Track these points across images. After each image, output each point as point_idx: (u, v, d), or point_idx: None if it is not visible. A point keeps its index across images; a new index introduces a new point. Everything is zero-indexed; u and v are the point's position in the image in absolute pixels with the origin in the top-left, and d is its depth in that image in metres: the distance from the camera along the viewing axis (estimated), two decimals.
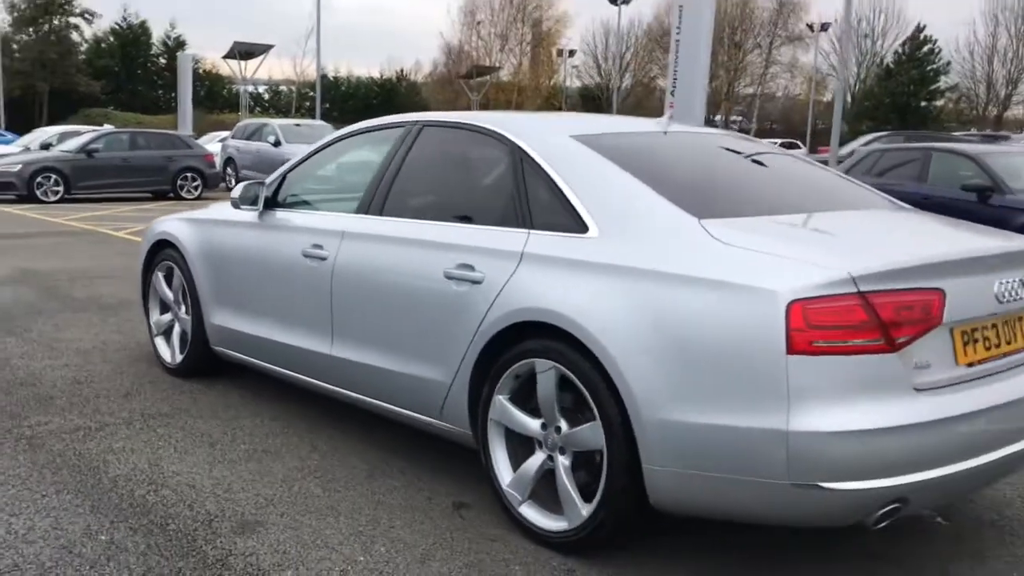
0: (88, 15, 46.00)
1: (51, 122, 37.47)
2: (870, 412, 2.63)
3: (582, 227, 3.23)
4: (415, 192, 4.02)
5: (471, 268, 3.46)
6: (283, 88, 54.71)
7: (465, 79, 54.83)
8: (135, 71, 48.32)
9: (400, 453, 4.12)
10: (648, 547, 3.23)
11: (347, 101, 54.22)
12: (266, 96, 54.52)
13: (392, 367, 3.81)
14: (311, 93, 57.15)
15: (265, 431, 4.44)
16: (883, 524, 2.76)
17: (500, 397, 3.35)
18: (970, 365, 2.90)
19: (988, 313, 2.94)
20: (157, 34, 51.03)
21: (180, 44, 51.13)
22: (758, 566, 3.15)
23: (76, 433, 4.34)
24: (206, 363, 5.21)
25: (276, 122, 24.22)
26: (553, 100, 61.69)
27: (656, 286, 2.92)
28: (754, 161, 3.85)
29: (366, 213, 4.11)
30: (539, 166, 3.46)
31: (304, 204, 4.65)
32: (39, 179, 19.06)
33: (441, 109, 52.75)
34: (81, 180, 19.41)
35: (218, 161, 24.79)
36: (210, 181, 21.52)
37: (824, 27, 46.41)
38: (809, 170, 3.99)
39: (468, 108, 52.94)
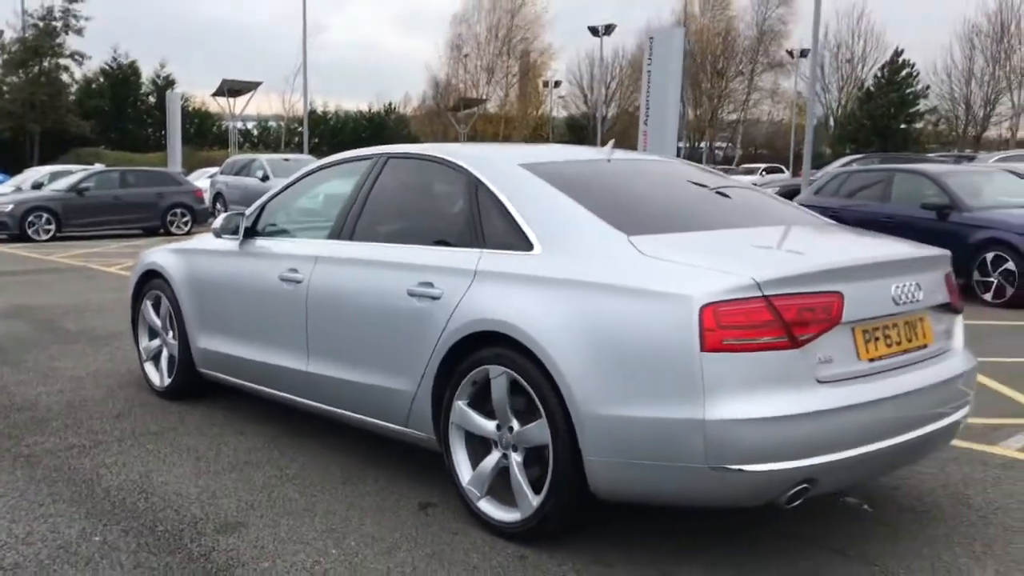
0: (78, 56, 46.58)
1: (42, 162, 37.86)
2: (776, 401, 2.97)
3: (527, 245, 3.59)
4: (381, 218, 4.38)
5: (431, 285, 3.81)
6: (272, 124, 55.26)
7: (453, 111, 55.44)
8: (125, 110, 48.87)
9: (374, 461, 4.44)
10: (596, 534, 3.54)
11: (336, 135, 54.76)
12: (255, 132, 55.03)
13: (362, 380, 4.14)
14: (300, 128, 57.86)
15: (248, 445, 4.75)
16: (795, 503, 3.09)
17: (459, 403, 3.68)
18: (872, 360, 3.25)
19: (887, 313, 3.30)
20: (147, 73, 51.72)
21: (169, 83, 51.75)
22: (694, 547, 3.47)
23: (71, 451, 4.65)
24: (193, 385, 5.53)
25: (264, 157, 24.66)
26: (540, 131, 62.39)
27: (589, 295, 3.28)
28: (692, 184, 4.24)
29: (337, 239, 4.47)
30: (491, 192, 3.82)
31: (282, 232, 5.00)
32: (31, 218, 19.41)
33: (428, 141, 53.36)
34: (72, 218, 19.76)
35: (207, 197, 25.22)
36: (199, 217, 21.85)
37: (804, 53, 47.20)
38: (741, 192, 4.36)
39: (456, 140, 53.58)
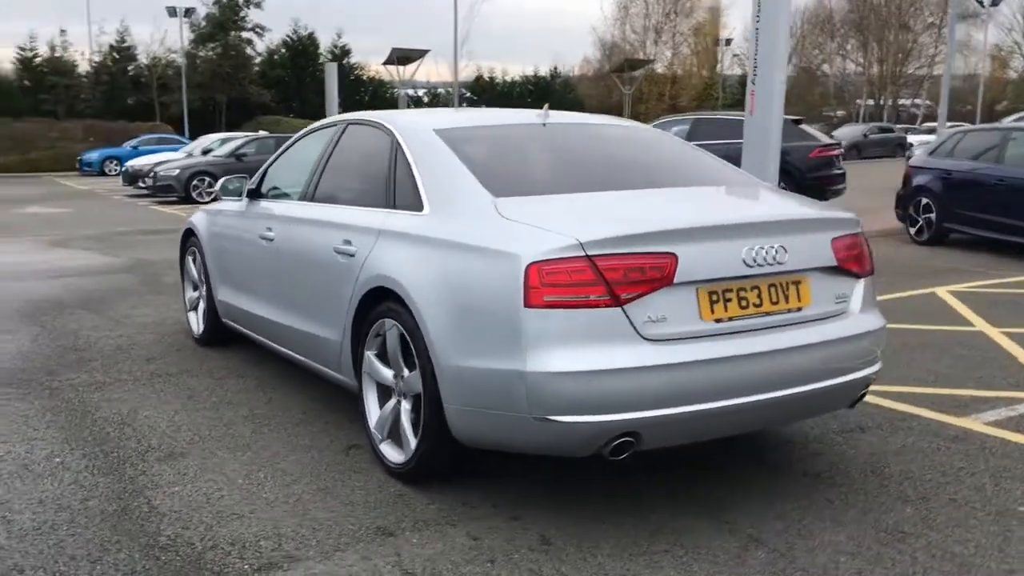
0: (259, 29, 49.51)
1: (229, 130, 40.69)
2: (595, 356, 3.09)
3: (420, 206, 3.82)
4: (333, 181, 4.72)
5: (349, 243, 4.11)
6: (440, 90, 56.69)
7: (617, 73, 55.03)
8: (304, 80, 51.43)
9: (335, 406, 4.80)
10: (474, 480, 3.77)
11: (502, 100, 55.54)
12: (425, 99, 56.67)
13: (309, 330, 4.52)
14: (468, 94, 59.07)
15: (239, 387, 5.24)
16: (622, 456, 3.20)
17: (368, 352, 3.98)
18: (719, 321, 3.28)
19: (738, 275, 3.31)
20: (324, 44, 54.15)
21: (345, 52, 54.10)
22: (549, 495, 3.62)
23: (89, 387, 5.29)
24: (221, 334, 6.09)
25: None
26: (711, 91, 60.84)
27: (450, 253, 3.49)
28: (608, 147, 4.36)
29: (303, 200, 4.84)
30: (405, 156, 4.06)
31: (277, 195, 5.42)
32: (195, 181, 21.13)
33: (593, 105, 53.04)
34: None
35: None
36: None
37: (995, 2, 43.60)
38: (658, 154, 4.43)
39: (620, 103, 53.19)
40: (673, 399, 3.16)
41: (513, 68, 69.12)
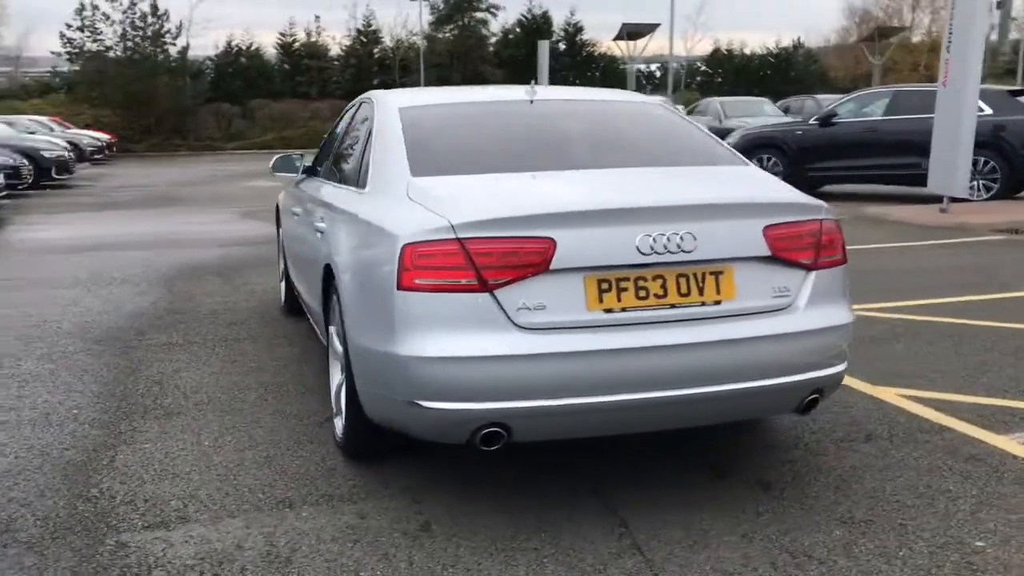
0: (494, 10, 50.83)
1: None
2: (463, 342, 2.99)
3: (365, 184, 3.84)
4: (337, 158, 4.83)
5: (322, 220, 4.21)
6: (673, 64, 55.62)
7: (867, 42, 51.47)
8: (561, 57, 52.23)
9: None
10: (414, 459, 3.76)
11: (740, 75, 53.65)
12: (657, 74, 55.84)
13: (312, 304, 4.68)
14: (703, 68, 57.58)
15: (282, 355, 5.52)
16: (494, 448, 3.09)
17: (331, 328, 4.07)
18: (608, 311, 3.06)
19: (633, 263, 3.06)
20: (558, 22, 54.66)
21: (578, 30, 54.33)
22: (455, 477, 3.54)
23: (161, 347, 5.77)
24: (297, 304, 6.42)
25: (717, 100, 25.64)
26: None
27: (360, 232, 3.51)
28: (581, 123, 4.16)
29: (322, 177, 5.00)
30: (371, 134, 4.09)
31: (320, 171, 5.62)
32: None
33: (839, 77, 49.85)
34: None
35: None
36: None
37: None
38: (631, 134, 4.20)
39: (869, 74, 49.76)
40: (547, 391, 2.99)
41: (754, 40, 66.25)
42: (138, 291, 7.66)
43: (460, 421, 3.04)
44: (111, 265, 9.05)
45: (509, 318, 3.00)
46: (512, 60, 51.75)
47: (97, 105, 42.20)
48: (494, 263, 2.99)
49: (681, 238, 3.09)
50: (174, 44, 42.95)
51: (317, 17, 58.06)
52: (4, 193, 15.15)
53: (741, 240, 3.20)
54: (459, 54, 48.34)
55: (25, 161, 18.79)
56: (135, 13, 42.60)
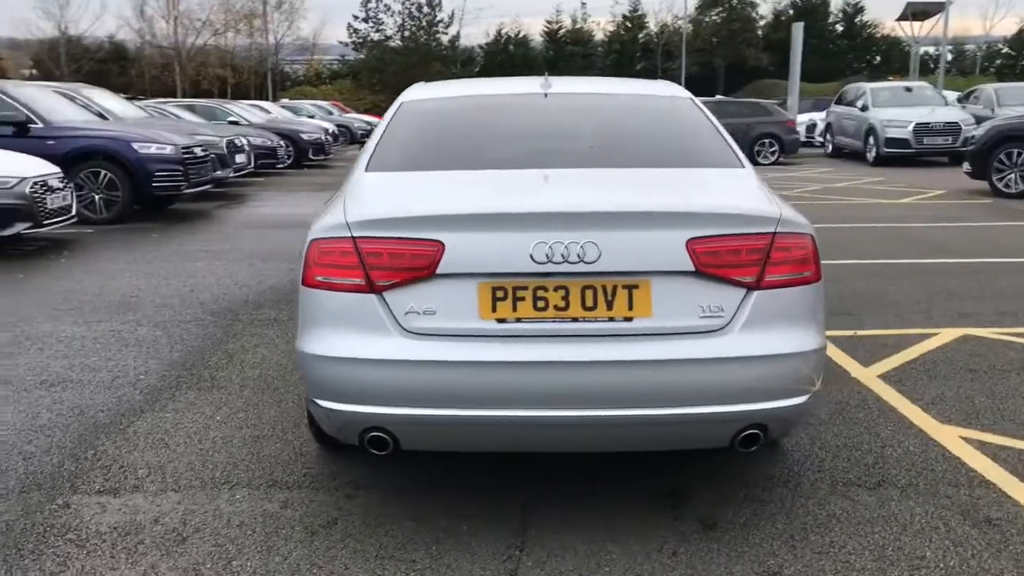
0: None
1: (724, 94, 41.17)
2: (351, 344, 2.94)
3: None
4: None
5: None
6: (969, 47, 50.78)
7: None
8: (810, 41, 49.59)
9: None
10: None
11: None
12: (949, 56, 51.19)
13: None
14: (1005, 50, 52.03)
15: None
16: (383, 452, 3.02)
17: None
18: (501, 321, 2.89)
19: (527, 272, 2.86)
20: (836, 3, 51.60)
21: (858, 10, 51.03)
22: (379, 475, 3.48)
23: (262, 322, 6.14)
24: None
25: (869, 85, 23.55)
26: None
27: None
28: (580, 119, 3.92)
29: None
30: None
31: None
32: None
33: None
34: None
35: (820, 127, 25.27)
36: (788, 147, 22.16)
37: None
38: (628, 132, 3.92)
39: None
40: (432, 400, 2.88)
41: None
42: (290, 267, 8.18)
43: (347, 422, 3.01)
44: (296, 240, 9.71)
45: (397, 322, 2.92)
46: (782, 43, 49.56)
47: (377, 91, 45.40)
48: (383, 264, 2.92)
49: (582, 248, 2.84)
50: (446, 33, 45.36)
51: (583, 3, 58.84)
52: (248, 171, 16.67)
53: (660, 253, 2.89)
54: (724, 38, 46.99)
55: (283, 143, 20.60)
56: (413, 4, 45.32)
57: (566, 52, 48.75)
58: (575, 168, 3.46)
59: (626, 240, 2.87)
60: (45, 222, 9.09)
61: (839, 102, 24.18)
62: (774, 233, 2.96)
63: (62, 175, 9.65)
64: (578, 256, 2.84)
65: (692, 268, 2.89)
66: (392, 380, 2.90)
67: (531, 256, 2.84)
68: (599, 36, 50.46)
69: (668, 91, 4.31)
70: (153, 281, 7.53)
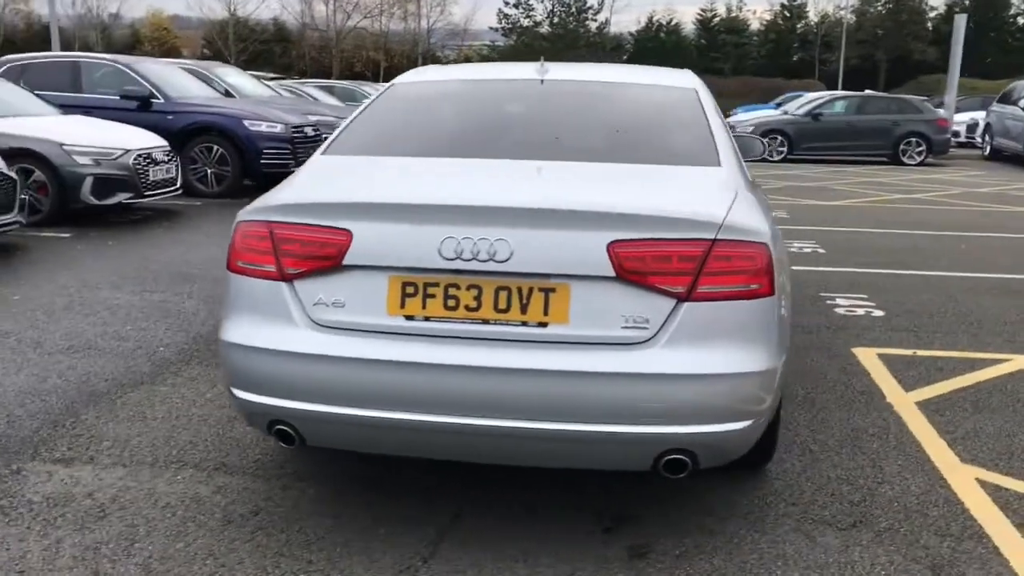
0: None
1: (886, 89, 39.12)
2: (260, 332, 2.85)
3: None
4: None
5: None
6: None
7: None
8: (987, 34, 46.40)
9: None
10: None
11: None
12: None
13: None
14: None
15: None
16: (291, 445, 2.91)
17: None
18: (409, 318, 2.72)
19: (435, 269, 2.68)
20: None
21: None
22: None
23: None
24: None
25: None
26: None
27: None
28: (562, 108, 3.71)
29: None
30: None
31: None
32: (767, 140, 21.01)
33: None
34: (804, 141, 20.74)
35: (981, 126, 23.59)
36: (936, 147, 20.74)
37: None
38: (608, 123, 3.67)
39: None
40: (334, 397, 2.75)
41: None
42: None
43: (254, 413, 2.92)
44: None
45: (306, 313, 2.80)
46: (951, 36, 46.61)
47: None
48: (294, 251, 2.80)
49: (492, 245, 2.64)
50: (595, 20, 44.98)
51: None
52: None
53: (579, 255, 2.65)
54: (889, 30, 44.52)
55: None
56: None
57: (719, 41, 47.42)
58: (530, 160, 3.23)
59: (541, 239, 2.65)
60: (147, 193, 9.49)
61: (1003, 100, 22.40)
62: (713, 240, 2.66)
63: (167, 148, 10.04)
64: (488, 254, 2.64)
65: (613, 273, 2.63)
66: (295, 373, 2.79)
67: (439, 251, 2.66)
68: (755, 25, 48.84)
69: (675, 81, 4.00)
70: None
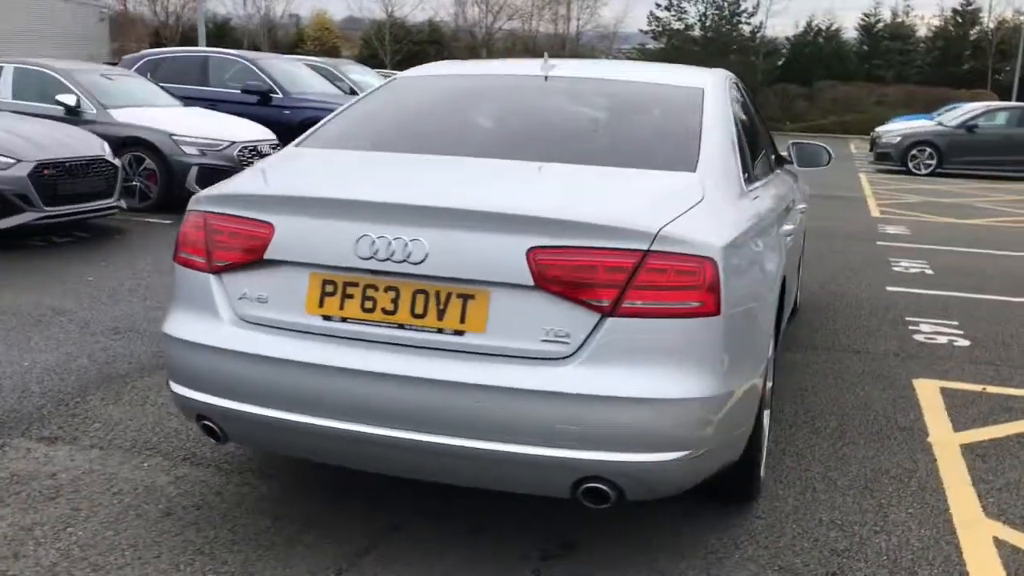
0: None
1: None
2: (186, 325, 2.81)
3: None
4: None
5: None
6: None
7: None
8: None
9: None
10: None
11: None
12: None
13: None
14: None
15: None
16: (217, 440, 2.85)
17: None
18: (326, 318, 2.60)
19: (350, 267, 2.55)
20: None
21: None
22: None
23: None
24: None
25: None
26: None
27: None
28: (555, 107, 3.53)
29: None
30: None
31: None
32: (913, 151, 19.82)
33: None
34: (956, 155, 19.42)
35: None
36: None
37: None
38: (594, 124, 3.50)
39: None
40: (250, 395, 2.66)
41: None
42: None
43: (183, 407, 2.89)
44: None
45: (231, 307, 2.73)
46: None
47: None
48: (223, 243, 2.74)
49: (407, 245, 2.49)
50: (748, 23, 43.63)
51: None
52: None
53: (498, 260, 2.45)
54: None
55: None
56: None
57: (881, 48, 44.98)
58: (493, 159, 3.05)
59: (459, 242, 2.48)
60: None
61: None
62: (646, 251, 2.42)
63: (275, 141, 10.32)
64: (404, 255, 2.49)
65: (531, 282, 2.43)
66: (216, 369, 2.73)
67: (355, 250, 2.53)
68: (922, 32, 46.16)
69: (686, 81, 3.69)
70: None
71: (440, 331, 2.51)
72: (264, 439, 2.84)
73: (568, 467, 2.44)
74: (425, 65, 4.29)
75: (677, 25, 45.63)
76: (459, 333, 2.50)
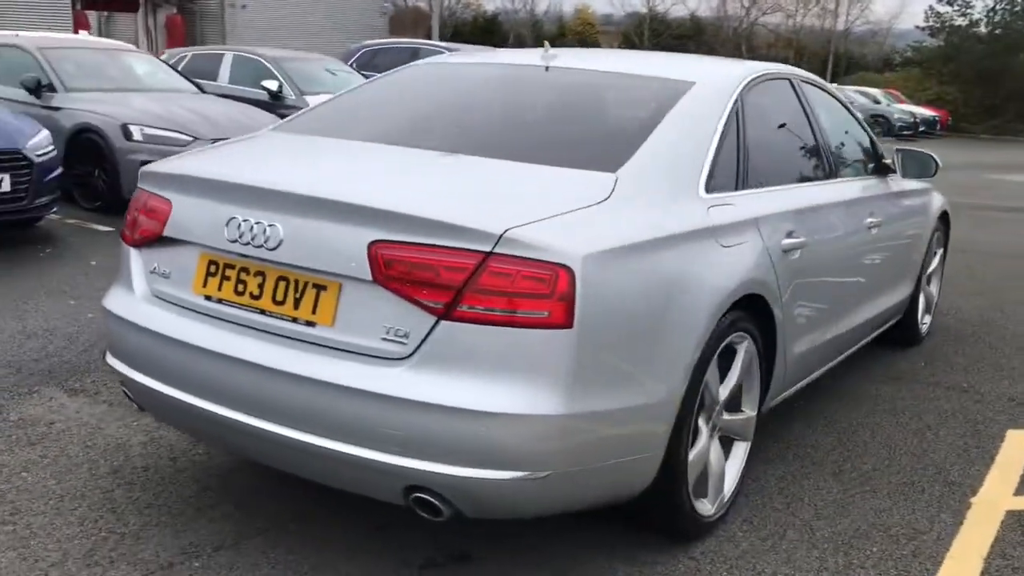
0: None
1: None
2: (112, 298, 2.94)
3: None
4: None
5: None
6: None
7: None
8: None
9: None
10: None
11: None
12: None
13: None
14: None
15: None
16: (140, 410, 2.97)
17: None
18: (207, 299, 2.64)
19: (225, 250, 2.56)
20: None
21: None
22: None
23: None
24: None
25: None
26: None
27: None
28: (534, 99, 3.44)
29: None
30: None
31: None
32: None
33: None
34: None
35: None
36: None
37: None
38: (562, 118, 3.29)
39: None
40: (147, 368, 2.75)
41: None
42: None
43: (112, 373, 3.02)
44: None
45: (146, 281, 2.84)
46: None
47: (944, 82, 41.03)
48: (140, 218, 2.85)
49: (265, 230, 2.47)
50: None
51: None
52: None
53: (344, 252, 2.37)
54: None
55: None
56: None
57: None
58: (402, 147, 2.94)
59: (310, 230, 2.43)
60: None
61: None
62: (488, 253, 2.24)
63: None
64: (262, 239, 2.48)
65: (370, 277, 2.33)
66: (127, 340, 2.84)
67: (225, 231, 2.55)
68: None
69: (683, 75, 3.33)
70: None
71: (294, 320, 2.47)
72: (161, 413, 2.93)
73: (395, 474, 2.32)
74: (466, 53, 4.25)
75: (960, 21, 41.73)
76: (311, 324, 2.45)
